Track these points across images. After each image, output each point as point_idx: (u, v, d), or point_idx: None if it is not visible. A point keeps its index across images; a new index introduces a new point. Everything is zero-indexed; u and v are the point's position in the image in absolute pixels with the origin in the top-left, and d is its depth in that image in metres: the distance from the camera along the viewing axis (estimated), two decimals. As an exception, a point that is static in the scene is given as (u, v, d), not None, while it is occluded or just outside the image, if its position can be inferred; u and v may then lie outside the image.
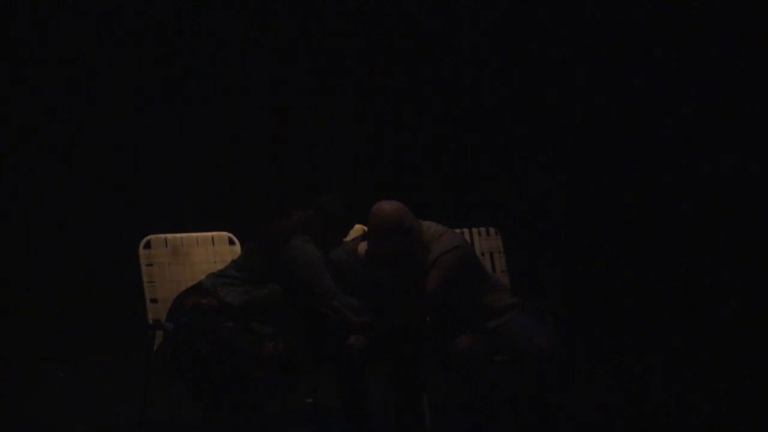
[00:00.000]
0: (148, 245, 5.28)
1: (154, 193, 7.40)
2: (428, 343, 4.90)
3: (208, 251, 5.36)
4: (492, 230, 5.56)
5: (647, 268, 7.70)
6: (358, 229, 5.23)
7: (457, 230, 5.19)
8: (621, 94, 7.77)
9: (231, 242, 5.41)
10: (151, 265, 5.25)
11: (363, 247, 4.95)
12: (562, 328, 5.05)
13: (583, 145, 7.86)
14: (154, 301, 5.17)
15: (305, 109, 7.73)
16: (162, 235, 5.31)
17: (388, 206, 4.82)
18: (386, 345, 4.82)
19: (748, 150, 7.50)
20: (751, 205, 7.49)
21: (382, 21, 7.80)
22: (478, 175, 7.90)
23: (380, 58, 7.82)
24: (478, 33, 7.87)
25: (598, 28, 7.77)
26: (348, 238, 5.12)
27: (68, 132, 7.35)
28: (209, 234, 5.41)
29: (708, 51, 7.55)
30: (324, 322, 4.88)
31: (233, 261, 5.04)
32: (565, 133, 7.89)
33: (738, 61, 7.49)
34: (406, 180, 7.70)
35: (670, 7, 7.60)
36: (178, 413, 5.04)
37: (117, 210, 7.33)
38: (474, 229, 5.54)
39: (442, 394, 5.18)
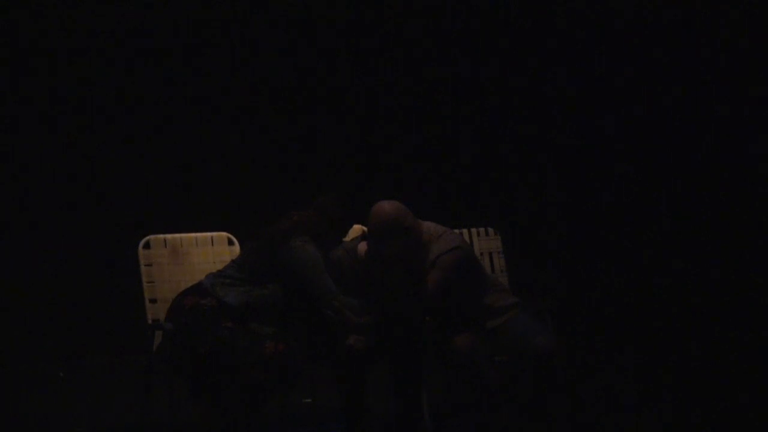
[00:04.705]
0: (147, 245, 5.28)
1: (154, 193, 7.40)
2: (428, 343, 4.90)
3: (207, 251, 5.37)
4: (491, 230, 5.56)
5: (647, 268, 7.70)
6: (358, 229, 5.23)
7: (457, 230, 5.19)
8: (621, 95, 7.77)
9: (230, 242, 5.42)
10: (150, 265, 5.25)
11: (363, 247, 4.95)
12: (556, 326, 5.05)
13: (583, 144, 7.86)
14: (153, 301, 5.18)
15: (305, 108, 7.73)
16: (161, 236, 5.32)
17: (387, 206, 4.83)
18: (386, 345, 4.82)
19: (747, 152, 7.51)
20: (751, 207, 7.49)
21: (382, 21, 7.80)
22: (477, 176, 7.89)
23: (380, 58, 7.81)
24: (477, 32, 7.87)
25: (601, 26, 7.77)
26: (348, 238, 5.12)
27: (68, 132, 7.35)
28: (208, 234, 5.42)
29: (708, 55, 7.56)
30: (324, 322, 4.88)
31: (232, 261, 5.04)
32: (566, 133, 7.88)
33: (736, 66, 7.50)
34: (405, 180, 7.70)
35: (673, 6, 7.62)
36: (178, 413, 5.04)
37: (117, 210, 7.33)
38: (473, 230, 5.54)
39: (442, 394, 5.18)
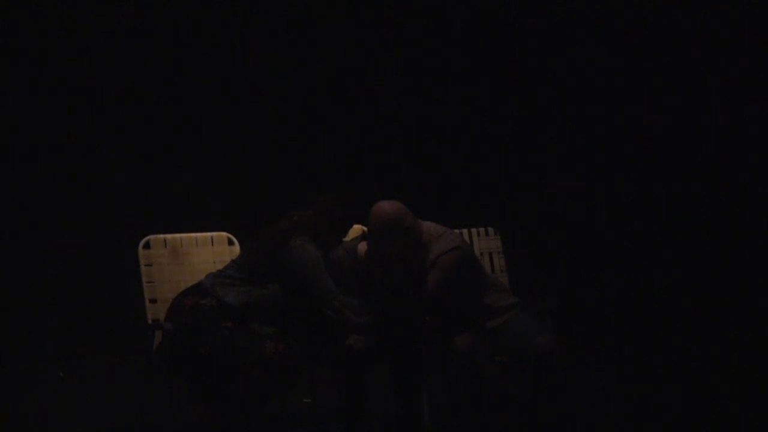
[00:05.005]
0: (147, 245, 5.28)
1: (154, 193, 7.40)
2: (428, 343, 4.90)
3: (207, 251, 5.37)
4: (491, 230, 5.56)
5: (647, 268, 7.70)
6: (358, 229, 5.23)
7: (457, 230, 5.19)
8: (621, 95, 7.76)
9: (230, 242, 5.42)
10: (150, 265, 5.25)
11: (363, 247, 4.96)
12: (556, 326, 5.06)
13: (583, 144, 7.86)
14: (153, 301, 5.18)
15: (305, 108, 7.73)
16: (161, 236, 5.32)
17: (387, 206, 4.84)
18: (386, 345, 4.82)
19: (748, 152, 7.51)
20: (752, 207, 7.49)
21: (383, 20, 7.80)
22: (477, 176, 7.89)
23: (380, 58, 7.81)
24: (478, 32, 7.87)
25: (601, 25, 7.76)
26: (348, 238, 5.12)
27: (68, 132, 7.35)
28: (208, 234, 5.42)
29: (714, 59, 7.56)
30: (324, 323, 4.88)
31: (232, 261, 5.04)
32: (566, 133, 7.88)
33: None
34: (405, 180, 7.70)
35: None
36: (178, 413, 5.04)
37: (117, 210, 7.33)
38: (473, 229, 5.54)
39: (442, 394, 5.18)
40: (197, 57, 7.53)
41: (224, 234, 5.44)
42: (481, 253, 5.48)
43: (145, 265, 5.24)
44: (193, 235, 5.39)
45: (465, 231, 5.48)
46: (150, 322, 5.13)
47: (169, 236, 5.33)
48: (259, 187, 7.51)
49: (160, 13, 7.45)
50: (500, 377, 4.85)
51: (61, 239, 7.29)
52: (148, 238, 5.30)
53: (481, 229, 5.56)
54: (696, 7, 7.59)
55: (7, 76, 7.25)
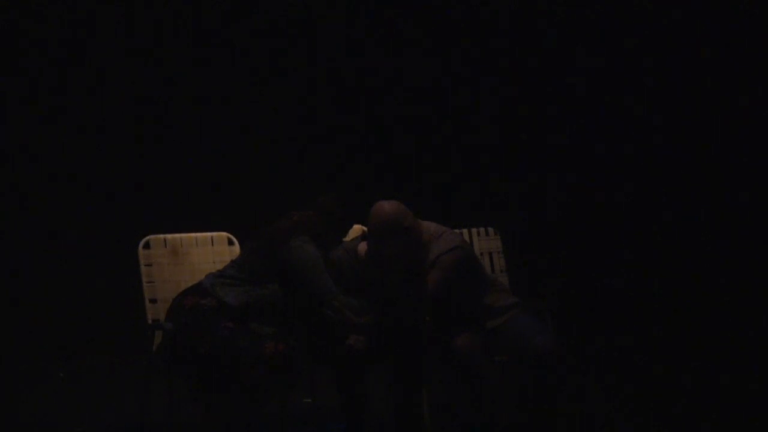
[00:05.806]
0: (147, 245, 5.28)
1: (154, 193, 7.40)
2: (428, 343, 4.90)
3: (207, 251, 5.37)
4: (491, 230, 5.56)
5: (645, 267, 7.70)
6: (358, 229, 5.23)
7: (457, 230, 5.19)
8: (621, 94, 7.76)
9: (230, 242, 5.42)
10: (150, 265, 5.26)
11: (363, 247, 4.96)
12: (556, 326, 5.06)
13: (583, 144, 7.86)
14: (153, 301, 5.18)
15: (305, 108, 7.73)
16: (161, 236, 5.32)
17: (387, 206, 4.84)
18: (386, 345, 4.83)
19: (747, 151, 7.51)
20: (753, 207, 7.48)
21: (382, 20, 7.80)
22: (477, 175, 7.89)
23: (380, 58, 7.81)
24: (477, 32, 7.87)
25: (600, 25, 7.76)
26: (348, 238, 5.12)
27: (68, 132, 7.35)
28: (208, 234, 5.42)
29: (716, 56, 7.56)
30: (324, 323, 4.88)
31: (232, 261, 5.04)
32: (566, 133, 7.88)
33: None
34: (405, 179, 7.70)
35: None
36: (178, 413, 5.04)
37: (117, 210, 7.33)
38: (473, 229, 5.54)
39: (442, 394, 5.18)
40: (197, 57, 7.53)
41: (224, 234, 5.45)
42: (481, 253, 5.48)
43: (145, 265, 5.25)
44: (193, 235, 5.39)
45: (465, 231, 5.48)
46: (150, 322, 5.13)
47: (169, 236, 5.34)
48: (259, 187, 7.51)
49: (162, 11, 7.45)
50: (500, 377, 4.85)
51: (61, 239, 7.29)
52: (148, 238, 5.30)
53: (481, 229, 5.56)
54: (696, 6, 7.59)
55: (7, 75, 7.25)
